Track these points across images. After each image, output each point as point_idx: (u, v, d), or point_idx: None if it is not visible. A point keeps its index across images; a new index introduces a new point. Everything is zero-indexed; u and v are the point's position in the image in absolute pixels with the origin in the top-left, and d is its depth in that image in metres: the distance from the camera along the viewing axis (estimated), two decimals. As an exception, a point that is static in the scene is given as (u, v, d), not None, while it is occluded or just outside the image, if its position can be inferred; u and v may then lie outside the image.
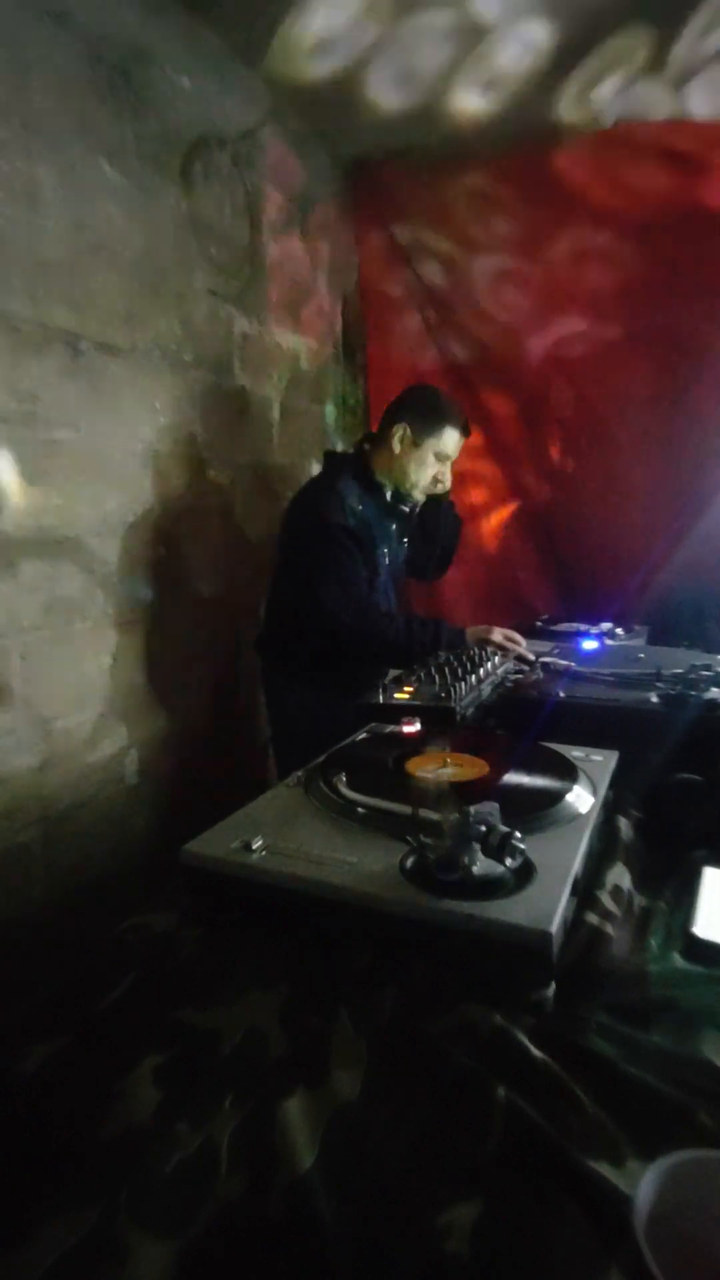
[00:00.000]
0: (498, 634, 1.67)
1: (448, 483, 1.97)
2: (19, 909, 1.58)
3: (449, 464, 1.91)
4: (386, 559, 1.92)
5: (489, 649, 1.59)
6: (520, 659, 1.59)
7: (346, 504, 1.78)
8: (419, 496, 1.92)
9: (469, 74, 2.08)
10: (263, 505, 2.39)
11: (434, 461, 1.86)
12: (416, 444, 1.84)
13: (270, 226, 2.33)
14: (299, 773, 0.92)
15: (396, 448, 1.85)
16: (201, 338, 2.05)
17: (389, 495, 1.90)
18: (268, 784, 0.90)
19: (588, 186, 2.36)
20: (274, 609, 2.00)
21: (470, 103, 2.21)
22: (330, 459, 2.02)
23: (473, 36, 1.93)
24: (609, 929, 0.71)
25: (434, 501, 2.01)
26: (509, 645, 1.65)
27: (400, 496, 1.91)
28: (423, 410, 1.86)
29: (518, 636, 1.69)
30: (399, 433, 1.84)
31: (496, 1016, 0.58)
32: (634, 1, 1.82)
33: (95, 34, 1.63)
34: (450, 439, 1.86)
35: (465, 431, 1.89)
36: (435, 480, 1.90)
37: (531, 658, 1.56)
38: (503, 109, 2.22)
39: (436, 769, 0.90)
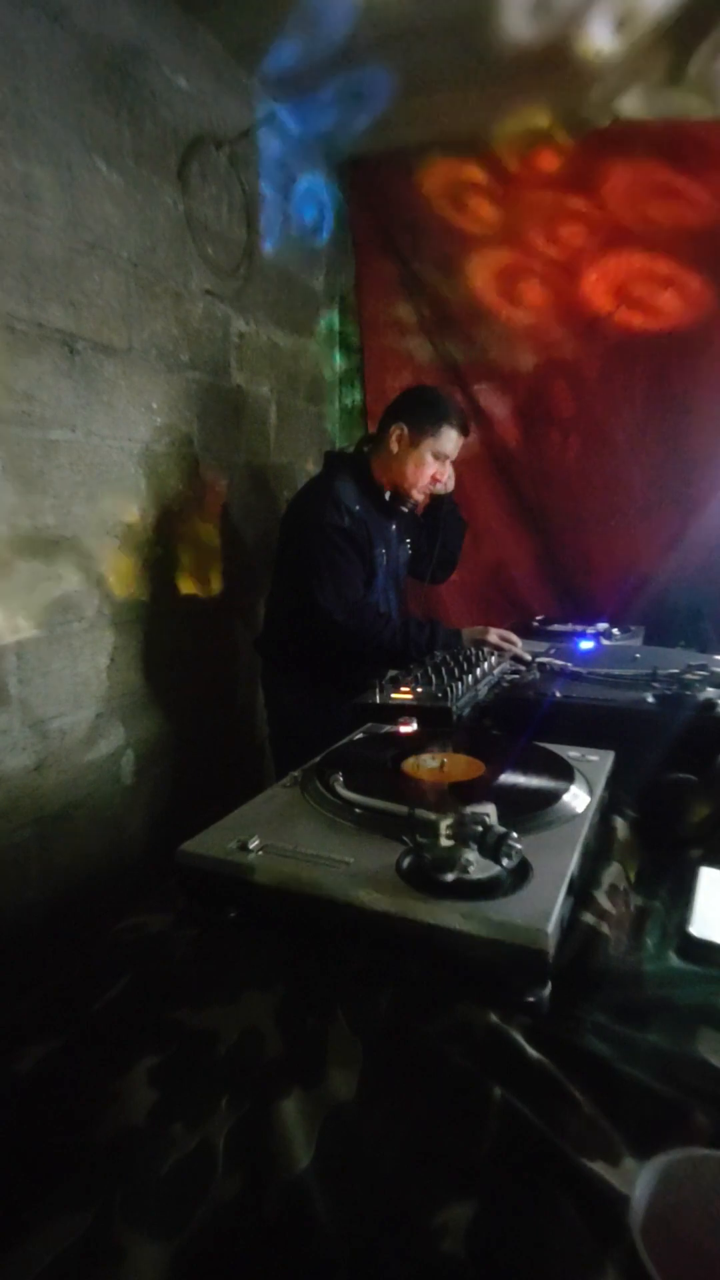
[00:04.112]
0: (494, 634, 1.68)
1: (449, 483, 1.97)
2: (14, 909, 1.58)
3: (448, 464, 1.91)
4: (385, 560, 1.92)
5: (485, 649, 1.59)
6: (516, 659, 1.59)
7: (343, 505, 1.78)
8: (418, 496, 1.92)
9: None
10: (260, 505, 2.39)
11: (432, 461, 1.86)
12: (414, 444, 1.84)
13: (267, 226, 2.33)
14: (296, 773, 0.92)
15: (394, 448, 1.85)
16: (198, 338, 2.05)
17: (387, 496, 1.90)
18: (265, 784, 0.90)
19: (585, 184, 2.36)
20: (272, 609, 2.00)
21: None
22: (330, 459, 2.02)
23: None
24: (605, 929, 0.71)
25: (436, 502, 2.02)
26: (505, 645, 1.65)
27: (399, 497, 1.91)
28: (420, 410, 1.86)
29: (514, 637, 1.69)
30: (396, 433, 1.84)
31: (492, 1016, 0.58)
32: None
33: (92, 33, 1.63)
34: (448, 438, 1.86)
35: (464, 431, 1.90)
36: (434, 480, 1.90)
37: (528, 658, 1.56)
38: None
39: (433, 769, 0.90)
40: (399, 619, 1.78)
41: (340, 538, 1.76)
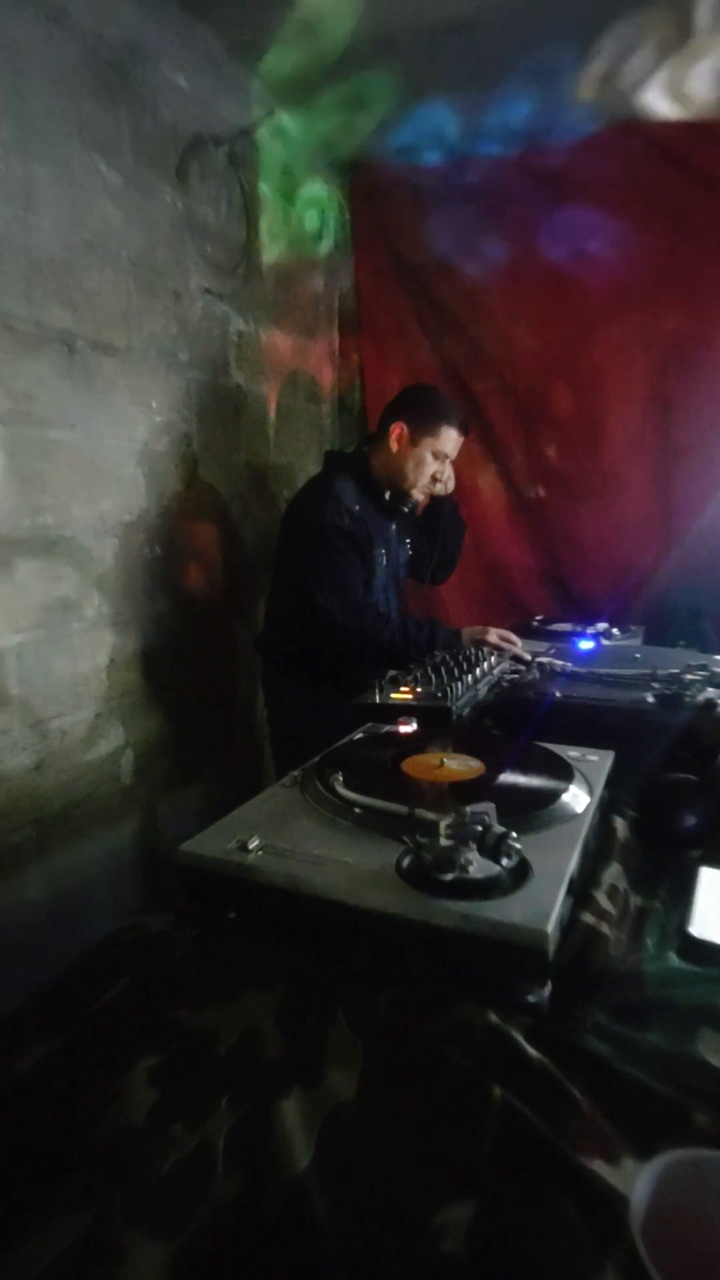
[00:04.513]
0: (493, 634, 1.68)
1: (449, 483, 1.97)
2: (14, 909, 1.58)
3: (448, 463, 1.91)
4: (385, 560, 1.92)
5: (485, 649, 1.59)
6: (516, 659, 1.59)
7: (342, 505, 1.78)
8: (418, 496, 1.92)
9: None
10: (259, 505, 2.39)
11: (432, 461, 1.86)
12: (414, 443, 1.84)
13: (266, 225, 2.33)
14: (295, 772, 0.92)
15: (394, 447, 1.85)
16: (197, 337, 2.05)
17: (387, 496, 1.90)
18: (265, 784, 0.90)
19: (585, 184, 2.36)
20: (272, 609, 2.00)
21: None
22: (330, 459, 2.02)
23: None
24: (605, 929, 0.71)
25: (436, 503, 2.01)
26: (505, 645, 1.65)
27: (399, 497, 1.91)
28: (420, 409, 1.86)
29: (513, 637, 1.69)
30: (396, 432, 1.84)
31: (492, 1016, 0.58)
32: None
33: (92, 32, 1.63)
34: (448, 438, 1.86)
35: (463, 430, 1.90)
36: (434, 480, 1.90)
37: (527, 658, 1.56)
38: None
39: (433, 769, 0.90)
40: (399, 619, 1.78)
41: (340, 538, 1.76)
